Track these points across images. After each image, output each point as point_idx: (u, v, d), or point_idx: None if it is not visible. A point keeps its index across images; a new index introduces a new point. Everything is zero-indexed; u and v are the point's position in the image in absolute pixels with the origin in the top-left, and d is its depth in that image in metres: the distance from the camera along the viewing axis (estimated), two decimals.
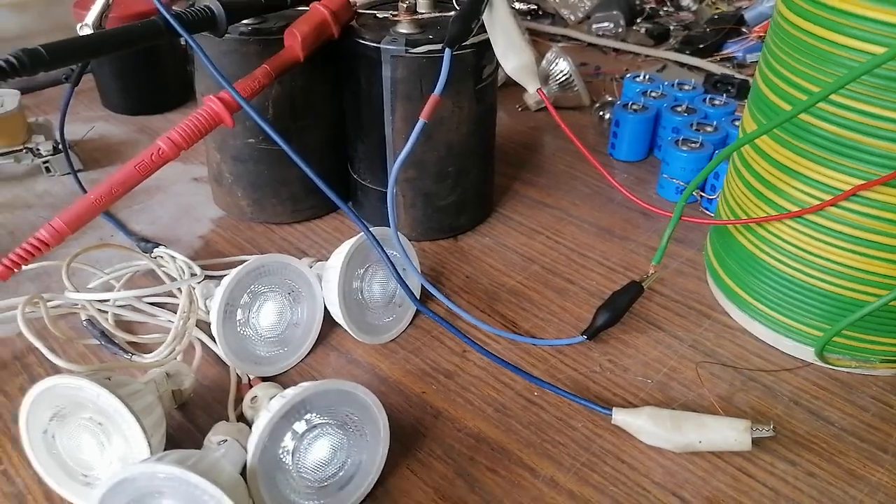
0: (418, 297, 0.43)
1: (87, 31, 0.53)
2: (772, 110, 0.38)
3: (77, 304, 0.43)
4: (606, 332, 0.42)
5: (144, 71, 0.69)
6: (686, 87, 0.66)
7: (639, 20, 0.93)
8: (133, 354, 0.40)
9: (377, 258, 0.42)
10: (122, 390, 0.30)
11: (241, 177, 0.51)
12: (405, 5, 0.45)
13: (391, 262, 0.40)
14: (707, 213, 0.56)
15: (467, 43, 0.44)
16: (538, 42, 0.91)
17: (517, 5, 0.46)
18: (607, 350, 0.42)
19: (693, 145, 0.56)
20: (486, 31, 0.44)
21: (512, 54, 0.42)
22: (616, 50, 0.87)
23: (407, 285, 0.41)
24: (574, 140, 0.42)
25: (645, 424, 0.35)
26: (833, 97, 0.34)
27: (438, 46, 0.43)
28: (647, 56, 0.85)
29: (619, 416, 0.36)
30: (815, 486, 0.34)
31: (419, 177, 0.49)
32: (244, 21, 0.46)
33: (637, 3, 0.93)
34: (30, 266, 0.39)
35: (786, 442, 0.36)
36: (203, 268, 0.46)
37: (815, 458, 0.36)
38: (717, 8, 0.96)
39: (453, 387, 0.39)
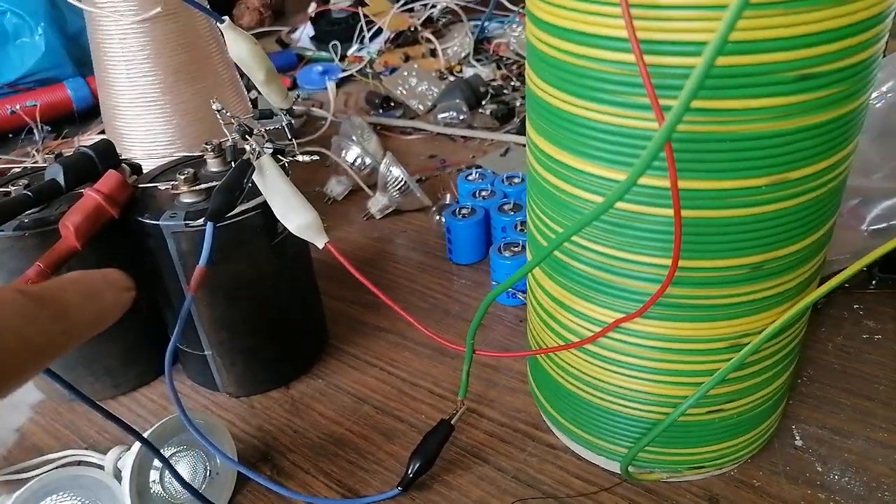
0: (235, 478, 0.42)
1: None
2: (537, 247, 0.39)
3: None
4: (428, 475, 0.42)
5: None
6: (515, 181, 0.68)
7: (484, 102, 0.95)
8: None
9: (180, 441, 0.41)
10: None
11: None
12: (183, 177, 0.44)
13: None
14: None
15: (251, 206, 0.44)
16: (389, 136, 0.92)
17: (301, 158, 0.46)
18: (429, 497, 0.42)
19: (515, 249, 0.57)
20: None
21: (292, 215, 0.42)
22: (463, 137, 0.89)
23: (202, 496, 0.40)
24: (356, 274, 0.42)
25: None
26: (575, 239, 0.35)
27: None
28: (491, 140, 0.87)
29: None
30: None
31: (233, 337, 0.48)
32: None
33: (480, 86, 0.95)
34: None
35: None
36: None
37: None
38: None
39: None
